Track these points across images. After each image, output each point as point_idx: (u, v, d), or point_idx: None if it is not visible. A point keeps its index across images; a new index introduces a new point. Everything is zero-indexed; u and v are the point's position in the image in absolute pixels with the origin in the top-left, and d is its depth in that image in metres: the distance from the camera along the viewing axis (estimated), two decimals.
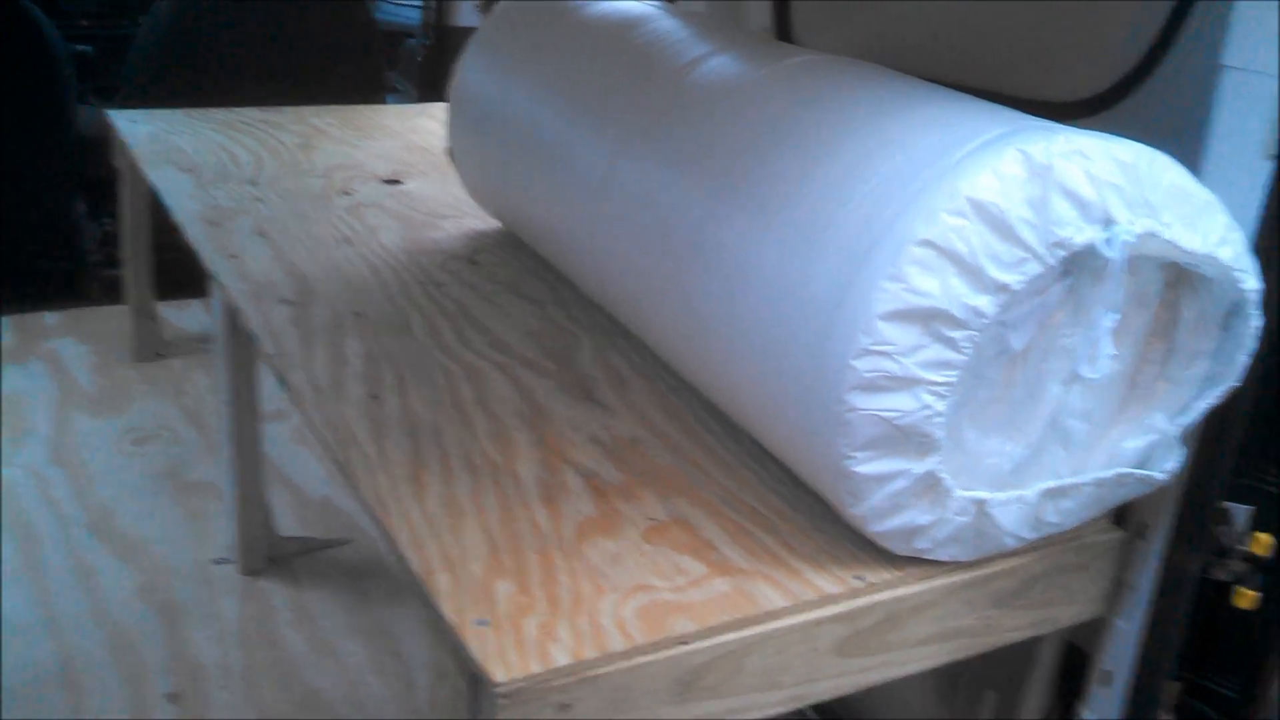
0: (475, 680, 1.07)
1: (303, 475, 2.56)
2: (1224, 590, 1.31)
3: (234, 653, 2.08)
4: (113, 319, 3.14)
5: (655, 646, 1.12)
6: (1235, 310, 1.22)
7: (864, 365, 1.10)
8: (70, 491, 2.48)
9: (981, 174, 1.09)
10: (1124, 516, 1.39)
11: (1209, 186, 1.19)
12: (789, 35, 2.06)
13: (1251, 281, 1.20)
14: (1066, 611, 1.40)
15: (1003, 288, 1.10)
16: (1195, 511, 1.31)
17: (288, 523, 2.37)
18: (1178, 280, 1.24)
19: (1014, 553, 1.30)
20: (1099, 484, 1.27)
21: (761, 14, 2.15)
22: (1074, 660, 1.51)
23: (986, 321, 1.10)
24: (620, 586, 1.19)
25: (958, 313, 1.10)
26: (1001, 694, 1.58)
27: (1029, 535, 1.27)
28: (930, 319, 1.10)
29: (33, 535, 2.31)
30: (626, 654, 1.10)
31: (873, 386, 1.11)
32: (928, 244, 1.08)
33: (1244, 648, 1.33)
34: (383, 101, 3.69)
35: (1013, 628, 1.36)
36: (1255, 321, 1.21)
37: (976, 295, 1.09)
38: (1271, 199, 1.22)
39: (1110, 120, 1.30)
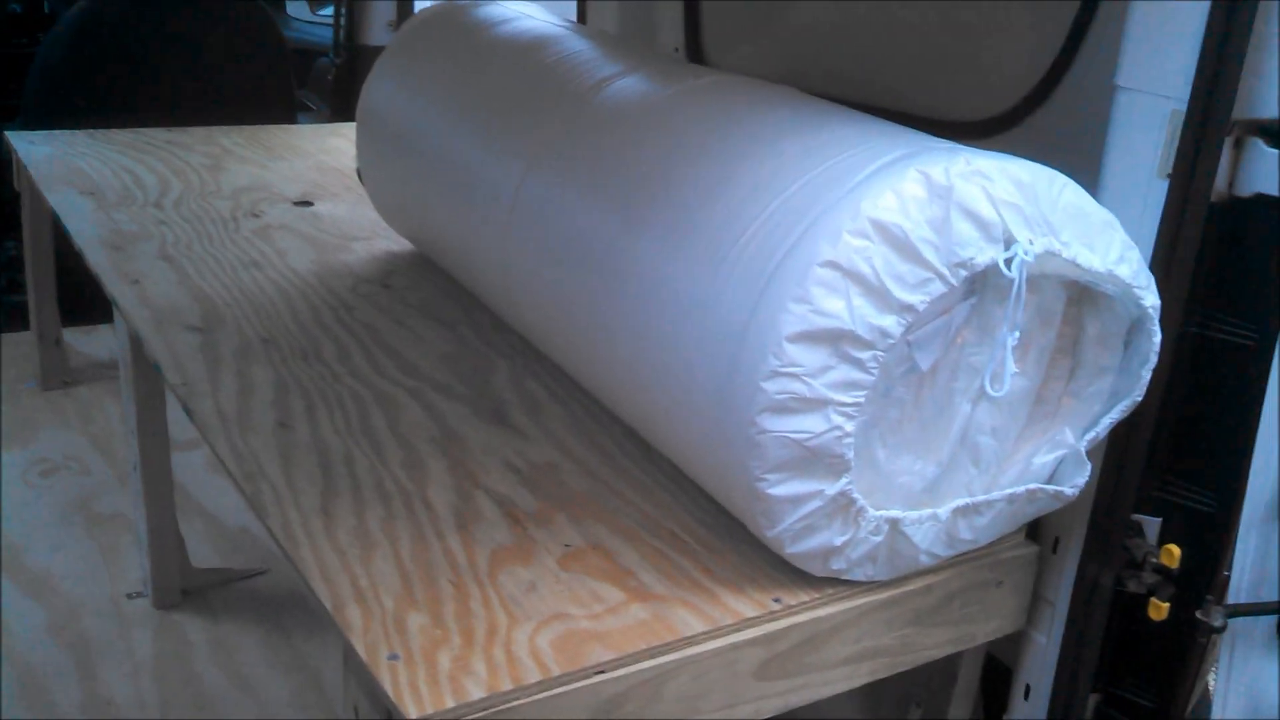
0: (389, 716, 1.05)
1: (218, 504, 2.50)
2: (1137, 602, 1.33)
3: (149, 690, 2.02)
4: (17, 346, 3.05)
5: (572, 676, 1.10)
6: (1137, 326, 1.25)
7: (773, 387, 1.10)
8: None
9: (883, 195, 1.10)
10: (1037, 531, 1.41)
11: (1106, 205, 1.22)
12: (700, 55, 2.06)
13: (1151, 298, 1.23)
14: (984, 627, 1.41)
15: (907, 308, 1.10)
16: (1106, 525, 1.33)
17: (204, 553, 2.32)
18: (1080, 297, 1.26)
19: (930, 570, 1.31)
20: (1011, 500, 1.28)
21: (674, 34, 2.16)
22: (996, 673, 1.52)
23: (893, 341, 1.11)
24: (535, 615, 1.17)
25: (864, 333, 1.10)
26: (925, 708, 1.59)
27: (944, 553, 1.28)
28: (837, 340, 1.10)
29: None
30: (543, 685, 1.09)
31: (782, 408, 1.11)
32: (832, 265, 1.09)
33: (1158, 658, 1.35)
34: (294, 121, 3.63)
35: (932, 645, 1.37)
36: (1156, 337, 1.24)
37: (882, 315, 1.10)
38: (1166, 217, 1.24)
39: (1011, 141, 1.32)
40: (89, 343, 3.10)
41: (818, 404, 1.12)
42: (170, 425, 2.08)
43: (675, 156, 1.37)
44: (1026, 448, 1.31)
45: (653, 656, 1.15)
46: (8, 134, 2.79)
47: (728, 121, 1.37)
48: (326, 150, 2.91)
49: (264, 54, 3.61)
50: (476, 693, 1.06)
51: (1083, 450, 1.29)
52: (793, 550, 1.21)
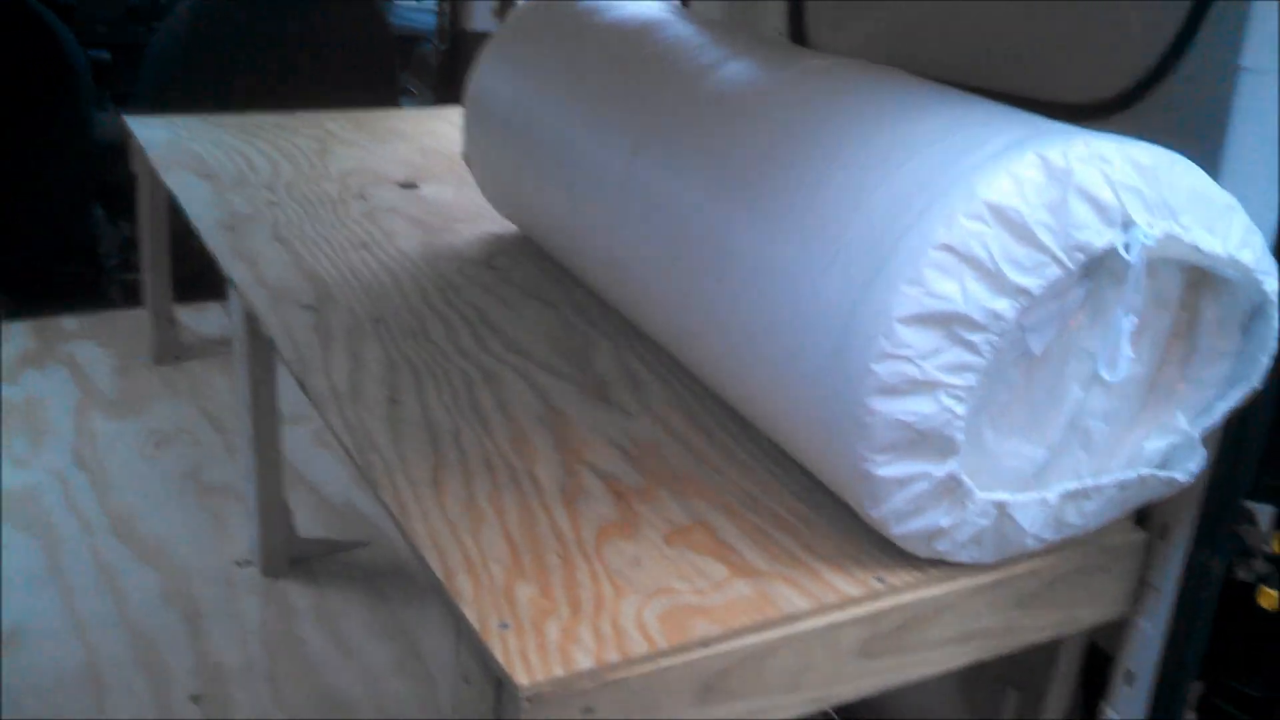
0: (499, 684, 1.08)
1: (323, 478, 2.58)
2: (1248, 591, 1.31)
3: (256, 654, 2.09)
4: (132, 323, 3.17)
5: (678, 649, 1.12)
6: (1257, 312, 1.22)
7: (884, 369, 1.11)
8: (92, 494, 2.50)
9: (999, 178, 1.09)
10: (1146, 517, 1.39)
11: (1228, 189, 1.19)
12: (803, 37, 2.06)
13: (1273, 283, 1.20)
14: (1089, 612, 1.40)
15: (1022, 291, 1.10)
16: (1218, 512, 1.31)
17: (309, 525, 2.39)
18: (1198, 282, 1.24)
19: (1036, 554, 1.30)
20: (1121, 485, 1.27)
21: (776, 16, 2.16)
22: (1096, 660, 1.51)
23: (1006, 325, 1.11)
24: (642, 589, 1.19)
25: (977, 316, 1.10)
26: (1024, 693, 1.58)
27: (1051, 536, 1.27)
28: (950, 322, 1.10)
29: (56, 537, 2.33)
30: (649, 657, 1.11)
31: (893, 390, 1.11)
32: (947, 248, 1.08)
33: (1268, 648, 1.32)
34: (397, 105, 3.70)
35: (1035, 628, 1.36)
36: (1277, 323, 1.21)
37: (996, 299, 1.10)
38: None
39: (1128, 122, 1.30)
40: (200, 320, 3.20)
41: (928, 386, 1.11)
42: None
43: (784, 138, 1.37)
44: (1139, 433, 1.29)
45: (757, 632, 1.16)
46: (126, 118, 2.89)
47: (837, 104, 1.37)
48: (430, 134, 2.96)
49: (370, 40, 3.69)
50: (585, 663, 1.08)
51: (1197, 436, 1.27)
52: (898, 531, 1.21)
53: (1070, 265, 1.10)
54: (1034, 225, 1.08)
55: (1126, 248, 1.11)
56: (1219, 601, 1.34)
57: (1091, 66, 1.42)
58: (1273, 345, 1.22)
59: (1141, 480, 1.27)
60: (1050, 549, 1.30)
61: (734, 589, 1.21)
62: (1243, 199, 1.20)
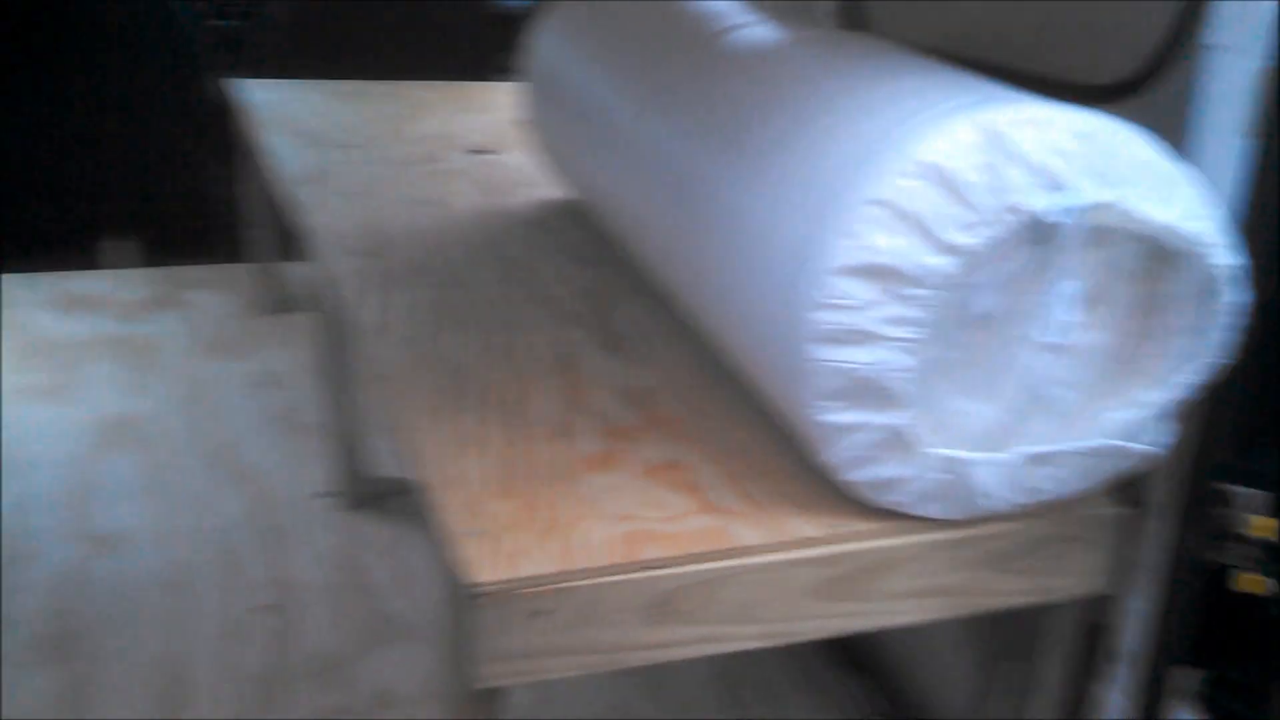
0: (457, 583, 1.19)
1: None
2: (1231, 574, 1.30)
3: (323, 576, 2.27)
4: (246, 275, 3.40)
5: (628, 567, 1.21)
6: (1220, 286, 1.22)
7: (820, 317, 1.17)
8: (191, 426, 2.73)
9: (934, 138, 1.14)
10: (1132, 494, 1.39)
11: (1195, 164, 1.21)
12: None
13: (1234, 257, 1.20)
14: (1061, 582, 1.41)
15: (954, 249, 1.13)
16: (1198, 493, 1.31)
17: (390, 465, 2.54)
18: (1163, 255, 1.24)
19: (1007, 517, 1.32)
20: (1085, 453, 1.28)
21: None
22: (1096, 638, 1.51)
23: (941, 281, 1.14)
24: (607, 514, 1.28)
25: (910, 271, 1.14)
26: (1017, 666, 1.59)
27: (1018, 499, 1.29)
28: (884, 276, 1.15)
29: (155, 461, 2.56)
30: (600, 570, 1.20)
31: (832, 339, 1.18)
32: (879, 203, 1.14)
33: (1255, 634, 1.32)
34: (493, 79, 3.86)
35: (1005, 591, 1.38)
36: (1240, 297, 1.21)
37: (928, 255, 1.14)
38: (1256, 176, 1.23)
39: (1141, 106, 1.30)
40: (308, 273, 3.41)
41: (866, 337, 1.17)
42: None
43: (767, 101, 1.44)
44: (1103, 403, 1.29)
45: (707, 560, 1.23)
46: (235, 82, 3.09)
47: (819, 70, 1.43)
48: (517, 106, 3.08)
49: (471, 17, 3.87)
50: (537, 569, 1.18)
51: (1165, 410, 1.28)
52: (847, 478, 1.27)
53: (1003, 226, 1.14)
54: (966, 185, 1.13)
55: (1061, 211, 1.14)
56: (1205, 584, 1.33)
57: (1113, 47, 1.42)
58: (1237, 320, 1.23)
59: (1107, 450, 1.28)
60: (1021, 514, 1.32)
61: (695, 521, 1.28)
62: (1209, 174, 1.21)
